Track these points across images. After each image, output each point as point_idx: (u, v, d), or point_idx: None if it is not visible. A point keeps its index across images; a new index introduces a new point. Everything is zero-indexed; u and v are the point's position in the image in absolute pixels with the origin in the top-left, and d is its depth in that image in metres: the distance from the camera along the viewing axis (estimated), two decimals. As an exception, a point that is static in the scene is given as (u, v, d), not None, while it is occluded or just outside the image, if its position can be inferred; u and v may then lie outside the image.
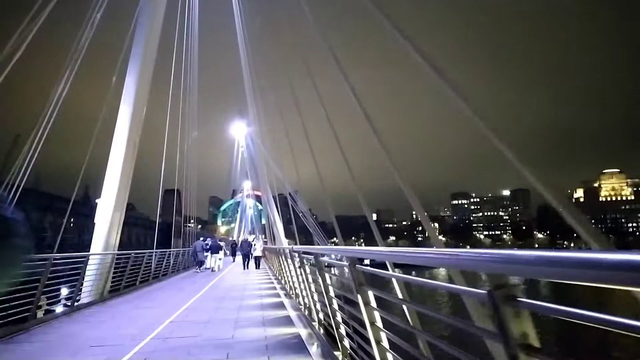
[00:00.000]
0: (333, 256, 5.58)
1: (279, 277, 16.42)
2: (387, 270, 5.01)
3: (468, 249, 1.67)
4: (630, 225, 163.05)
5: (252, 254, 26.24)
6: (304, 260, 7.45)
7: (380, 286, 3.26)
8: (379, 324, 3.07)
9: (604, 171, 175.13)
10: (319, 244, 25.63)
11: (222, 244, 29.42)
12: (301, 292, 9.15)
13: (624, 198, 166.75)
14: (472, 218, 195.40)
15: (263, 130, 31.10)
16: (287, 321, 8.10)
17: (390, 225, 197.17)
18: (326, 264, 5.49)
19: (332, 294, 5.10)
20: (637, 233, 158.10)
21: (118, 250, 14.37)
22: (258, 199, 69.36)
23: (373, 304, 3.14)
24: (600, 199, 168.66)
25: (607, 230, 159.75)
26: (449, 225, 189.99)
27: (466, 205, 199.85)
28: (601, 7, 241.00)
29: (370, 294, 3.16)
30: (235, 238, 63.05)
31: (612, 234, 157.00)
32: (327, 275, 5.18)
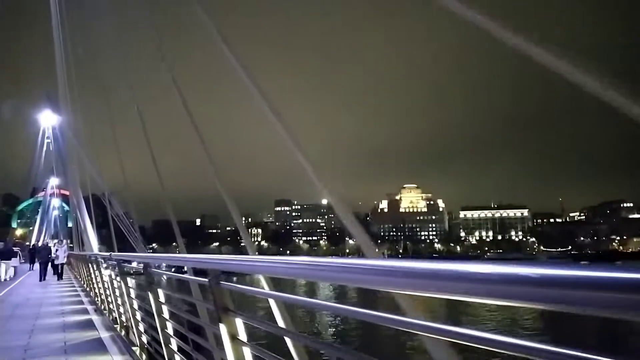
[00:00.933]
0: (161, 265, 4.62)
1: (88, 289, 14.18)
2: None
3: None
4: (423, 233, 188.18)
5: (53, 261, 22.55)
6: (125, 270, 6.23)
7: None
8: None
9: (404, 186, 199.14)
10: (136, 251, 23.26)
11: (16, 249, 25.11)
12: (117, 307, 7.77)
13: (419, 210, 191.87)
14: (293, 224, 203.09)
15: (77, 122, 27.43)
16: (98, 345, 6.72)
17: (215, 231, 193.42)
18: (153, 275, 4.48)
19: (166, 314, 4.13)
20: (428, 240, 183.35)
21: None
22: (65, 198, 60.84)
23: (242, 337, 2.40)
24: (401, 210, 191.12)
25: (405, 238, 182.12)
26: (271, 231, 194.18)
27: (288, 212, 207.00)
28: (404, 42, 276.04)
29: (239, 322, 2.40)
30: (34, 242, 54.46)
31: (409, 240, 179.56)
32: (160, 292, 4.20)
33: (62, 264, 22.23)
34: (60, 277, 21.51)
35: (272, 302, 3.76)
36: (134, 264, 6.24)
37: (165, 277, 4.59)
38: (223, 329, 2.40)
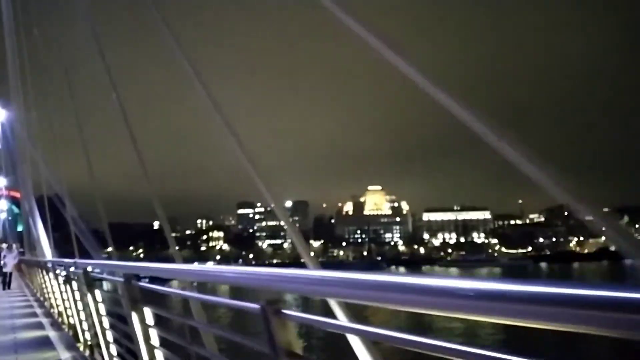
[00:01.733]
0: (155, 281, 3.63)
1: (42, 300, 12.77)
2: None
3: None
4: (387, 235, 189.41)
5: (1, 269, 20.68)
6: (93, 281, 5.19)
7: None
8: None
9: (368, 188, 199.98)
10: (92, 256, 21.63)
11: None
12: (80, 323, 6.65)
13: (383, 212, 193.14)
14: (256, 227, 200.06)
15: (30, 117, 25.54)
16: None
17: (174, 234, 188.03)
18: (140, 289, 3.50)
19: (155, 341, 3.17)
20: (392, 243, 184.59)
21: None
22: (15, 200, 57.15)
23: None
24: (365, 212, 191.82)
25: (370, 240, 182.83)
26: (233, 234, 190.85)
27: (251, 215, 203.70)
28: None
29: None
30: None
31: (373, 243, 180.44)
32: (147, 311, 3.23)
33: (10, 272, 20.42)
34: (7, 286, 19.76)
35: (352, 339, 2.70)
36: (104, 274, 5.20)
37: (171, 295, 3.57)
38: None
